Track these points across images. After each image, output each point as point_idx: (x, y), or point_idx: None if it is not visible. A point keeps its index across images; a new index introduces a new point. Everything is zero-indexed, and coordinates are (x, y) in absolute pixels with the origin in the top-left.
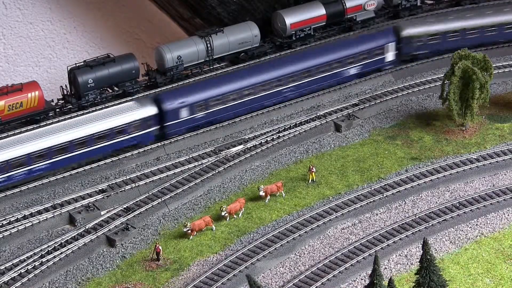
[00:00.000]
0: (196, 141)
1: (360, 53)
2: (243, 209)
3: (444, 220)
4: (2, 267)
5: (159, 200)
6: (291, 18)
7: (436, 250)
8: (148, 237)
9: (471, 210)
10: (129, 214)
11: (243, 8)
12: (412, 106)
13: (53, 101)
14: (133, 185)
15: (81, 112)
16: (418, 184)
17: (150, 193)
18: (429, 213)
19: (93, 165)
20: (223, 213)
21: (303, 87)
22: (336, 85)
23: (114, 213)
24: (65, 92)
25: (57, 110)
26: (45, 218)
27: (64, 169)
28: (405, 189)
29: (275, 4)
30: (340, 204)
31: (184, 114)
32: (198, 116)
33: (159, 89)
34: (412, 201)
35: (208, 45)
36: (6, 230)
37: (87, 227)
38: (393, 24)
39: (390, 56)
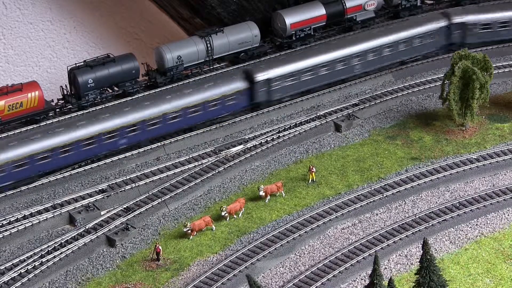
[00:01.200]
0: (196, 141)
1: None
2: (243, 209)
3: (444, 220)
4: (2, 267)
5: (159, 200)
6: (291, 18)
7: (436, 250)
8: (148, 237)
9: (471, 210)
10: (129, 214)
11: (243, 8)
12: (412, 106)
13: (53, 101)
14: (133, 185)
15: None
16: (418, 184)
17: (150, 193)
18: (429, 213)
19: (93, 165)
20: (223, 213)
21: None
22: None
23: (114, 213)
24: (65, 92)
25: (57, 110)
26: (45, 218)
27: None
28: (405, 189)
29: (275, 4)
30: (340, 204)
31: None
32: None
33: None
34: (412, 201)
35: (208, 45)
36: (6, 230)
37: (87, 227)
38: None
39: None
